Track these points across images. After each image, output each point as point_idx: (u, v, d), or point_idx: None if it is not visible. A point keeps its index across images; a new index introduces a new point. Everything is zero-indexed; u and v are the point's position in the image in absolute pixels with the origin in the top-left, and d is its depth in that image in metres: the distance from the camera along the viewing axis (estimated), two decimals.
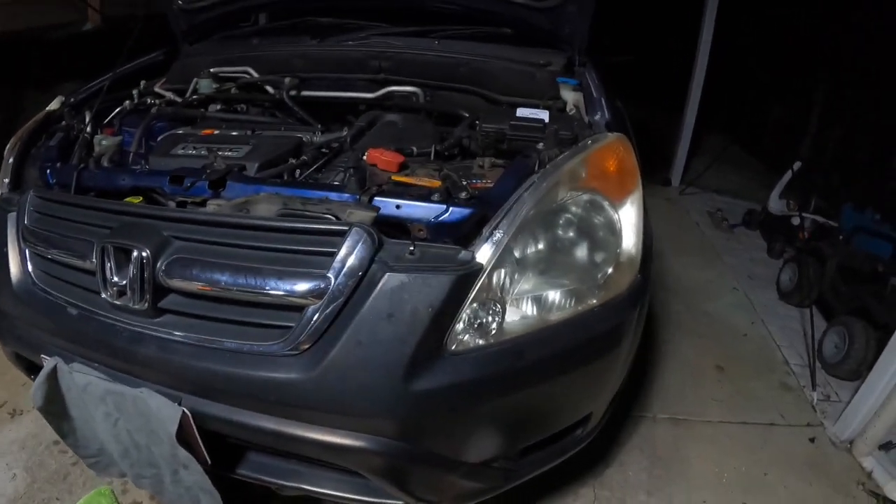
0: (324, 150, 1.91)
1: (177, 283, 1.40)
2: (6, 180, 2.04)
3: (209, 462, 1.53)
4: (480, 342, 1.43)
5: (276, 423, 1.39)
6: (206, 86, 2.41)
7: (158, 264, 1.40)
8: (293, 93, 2.23)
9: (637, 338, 1.84)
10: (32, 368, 1.96)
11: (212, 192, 1.60)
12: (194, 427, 1.44)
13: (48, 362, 1.64)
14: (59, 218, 1.70)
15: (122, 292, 1.46)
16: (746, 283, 3.93)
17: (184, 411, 1.41)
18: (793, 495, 2.40)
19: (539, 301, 1.53)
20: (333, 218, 1.44)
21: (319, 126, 2.03)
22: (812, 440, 2.68)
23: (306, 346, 1.33)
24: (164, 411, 1.42)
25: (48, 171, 1.98)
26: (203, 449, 1.50)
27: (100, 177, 1.84)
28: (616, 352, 1.69)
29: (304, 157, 1.84)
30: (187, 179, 1.63)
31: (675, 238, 4.46)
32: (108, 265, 1.46)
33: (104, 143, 2.07)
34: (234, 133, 2.01)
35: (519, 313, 1.50)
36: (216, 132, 2.04)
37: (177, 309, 1.45)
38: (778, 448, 2.62)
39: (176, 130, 2.12)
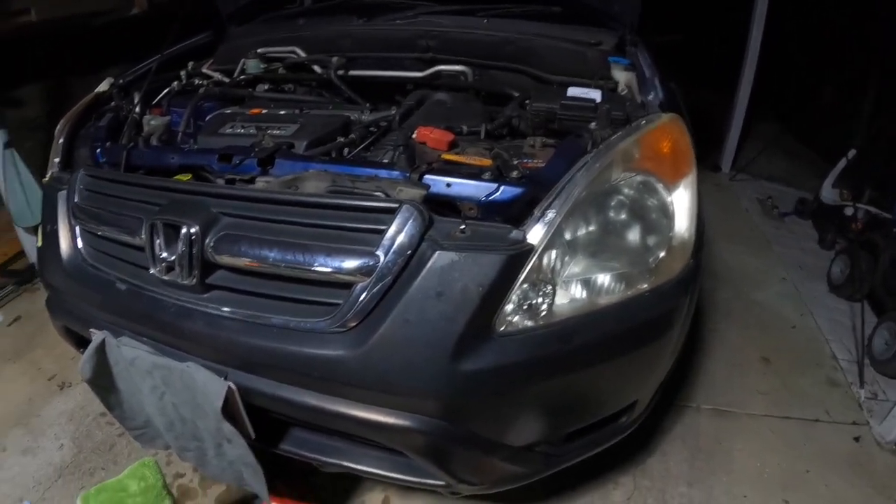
0: (372, 128, 1.90)
1: (225, 259, 1.40)
2: (57, 160, 2.08)
3: (253, 437, 1.53)
4: (529, 324, 1.40)
5: (321, 399, 1.38)
6: (253, 66, 2.41)
7: (207, 240, 1.40)
8: (341, 72, 2.22)
9: (687, 325, 1.79)
10: (81, 342, 2.00)
11: (260, 169, 1.59)
12: (239, 402, 1.44)
13: (96, 336, 1.66)
14: (108, 195, 1.72)
15: (170, 268, 1.47)
16: (796, 273, 3.83)
17: (229, 386, 1.42)
18: (834, 495, 2.33)
19: (588, 284, 1.49)
20: (383, 195, 1.43)
21: (367, 105, 2.02)
22: (857, 439, 2.60)
23: (354, 324, 1.32)
24: (210, 386, 1.42)
25: (98, 150, 2.02)
26: (247, 423, 1.50)
27: (149, 155, 1.85)
28: (665, 339, 1.65)
29: (353, 136, 1.83)
30: (236, 157, 1.63)
31: (724, 224, 4.36)
32: (157, 241, 1.47)
33: (153, 122, 2.10)
34: (281, 112, 2.00)
35: (568, 296, 1.47)
36: (264, 111, 2.04)
37: (224, 285, 1.46)
38: (821, 445, 2.55)
39: (224, 110, 2.13)
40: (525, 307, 1.39)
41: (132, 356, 1.58)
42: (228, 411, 1.44)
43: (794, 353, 3.11)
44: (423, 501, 2.26)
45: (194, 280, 1.44)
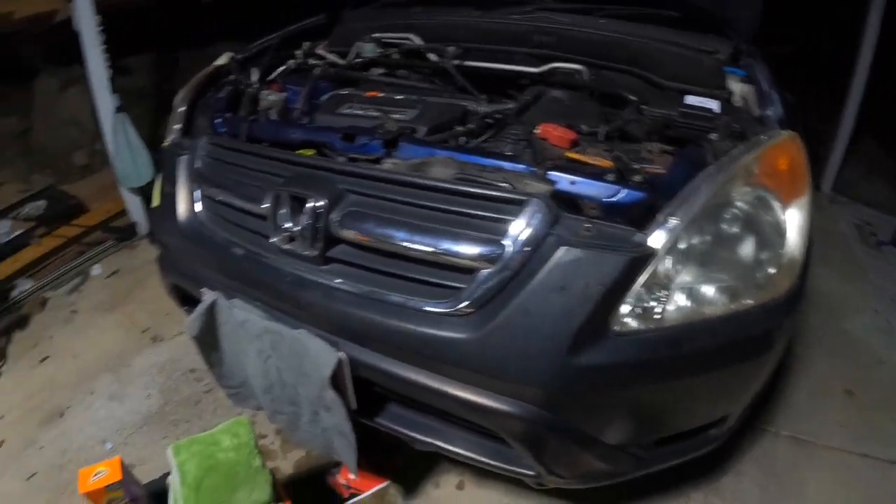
0: (488, 120, 1.92)
1: (349, 235, 1.45)
2: (177, 126, 2.17)
3: (354, 408, 1.58)
4: (641, 326, 1.41)
5: (429, 378, 1.42)
6: (369, 50, 2.46)
7: (332, 215, 1.45)
8: (456, 62, 2.24)
9: (785, 345, 1.77)
10: (187, 301, 2.10)
11: (384, 151, 1.63)
12: (348, 373, 1.49)
13: (208, 296, 1.73)
14: (231, 163, 1.80)
15: (291, 238, 1.52)
16: (890, 306, 3.68)
17: (340, 356, 1.47)
18: None
19: (696, 293, 1.49)
20: (510, 187, 1.45)
21: (483, 96, 2.04)
22: None
23: (473, 309, 1.35)
24: (322, 355, 1.47)
25: (217, 120, 2.10)
26: (351, 394, 1.55)
27: (270, 129, 1.92)
28: (766, 356, 1.63)
29: (471, 126, 1.86)
30: (360, 137, 1.68)
31: (819, 247, 4.22)
32: (280, 211, 1.52)
33: (270, 98, 2.18)
34: (398, 97, 2.04)
35: (678, 303, 1.47)
36: (380, 95, 2.08)
37: (344, 259, 1.50)
38: None
39: (339, 91, 2.19)
40: (639, 310, 1.41)
41: (243, 319, 1.65)
42: (335, 381, 1.48)
43: (880, 389, 2.99)
44: (496, 489, 2.29)
45: (316, 252, 1.49)
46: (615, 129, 1.84)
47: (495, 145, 1.80)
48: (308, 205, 1.46)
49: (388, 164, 1.60)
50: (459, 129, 1.83)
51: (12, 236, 4.25)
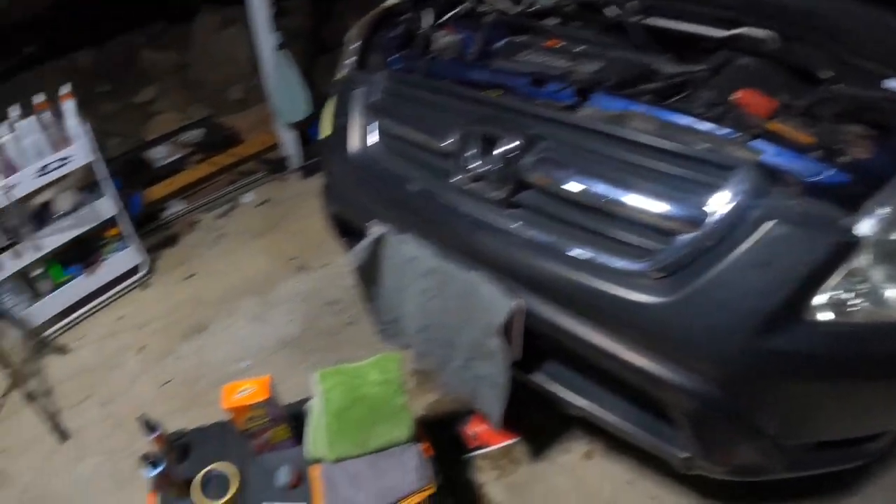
0: (674, 81, 1.83)
1: (541, 181, 1.40)
2: (350, 61, 2.18)
3: (518, 359, 1.56)
4: (833, 319, 1.30)
5: (607, 339, 1.37)
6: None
7: (525, 159, 1.41)
8: (638, 18, 2.14)
9: None
10: (348, 232, 2.14)
11: (577, 99, 1.57)
12: (520, 323, 1.46)
13: (377, 229, 1.75)
14: (412, 99, 1.78)
15: (477, 178, 1.50)
16: None
17: (516, 305, 1.44)
18: None
19: (876, 293, 1.36)
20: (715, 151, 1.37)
21: (668, 55, 1.94)
22: None
23: (666, 274, 1.28)
24: (495, 301, 1.45)
25: (392, 57, 2.10)
26: (518, 345, 1.53)
27: (452, 68, 1.90)
28: None
29: (658, 84, 1.77)
30: (550, 83, 1.62)
31: None
32: (468, 151, 1.50)
33: (445, 39, 2.16)
34: (578, 48, 1.97)
35: (871, 300, 1.34)
36: (559, 45, 2.01)
37: (533, 206, 1.46)
38: None
39: (516, 38, 2.14)
40: (834, 301, 1.29)
41: (412, 255, 1.65)
42: (505, 329, 1.46)
43: None
44: (623, 465, 2.24)
45: (502, 195, 1.46)
46: (815, 104, 1.71)
47: (690, 107, 1.70)
48: (500, 146, 1.42)
49: (584, 112, 1.55)
50: (647, 86, 1.74)
51: (169, 160, 4.46)
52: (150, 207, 4.09)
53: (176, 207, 4.36)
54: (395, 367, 1.79)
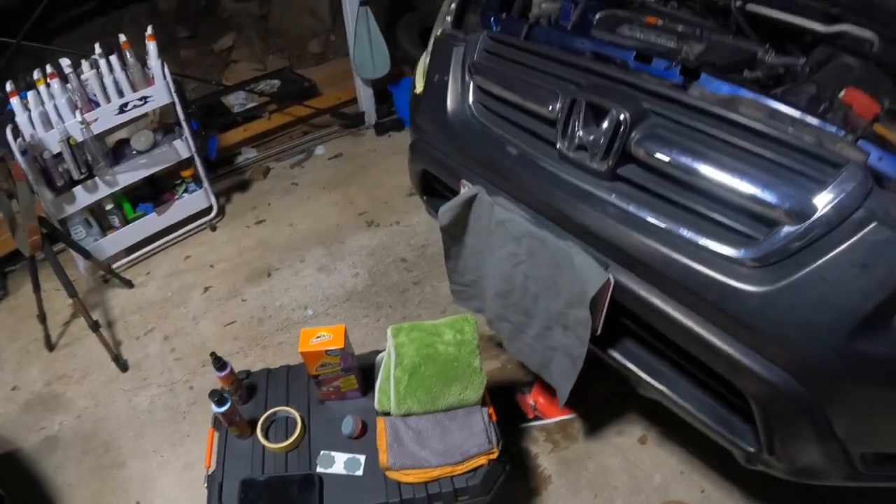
0: (776, 71, 1.78)
1: (647, 156, 1.38)
2: (449, 18, 2.17)
3: (598, 332, 1.56)
4: None
5: (696, 321, 1.35)
6: None
7: (634, 132, 1.40)
8: (739, 3, 2.09)
9: None
10: (431, 191, 2.17)
11: (683, 78, 1.54)
12: (609, 296, 1.46)
13: (469, 189, 1.75)
14: (515, 62, 1.77)
15: (581, 147, 1.48)
16: None
17: (609, 278, 1.43)
18: None
19: None
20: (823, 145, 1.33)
21: (768, 45, 1.89)
22: None
23: (765, 263, 1.26)
24: (588, 272, 1.45)
25: (491, 18, 2.09)
26: (602, 318, 1.52)
27: (555, 35, 1.87)
28: None
29: (758, 74, 1.73)
30: (658, 60, 1.60)
31: None
32: (574, 119, 1.48)
33: (544, 6, 2.13)
34: (679, 28, 1.93)
35: None
36: (660, 23, 1.98)
37: (635, 180, 1.44)
38: None
39: (616, 11, 2.10)
40: None
41: (504, 218, 1.65)
42: (594, 301, 1.46)
43: None
44: (675, 454, 2.26)
45: (606, 166, 1.44)
46: None
47: (797, 99, 1.65)
48: (610, 117, 1.41)
49: (696, 92, 1.52)
50: (750, 74, 1.71)
51: (246, 107, 4.51)
52: (223, 152, 4.17)
53: (249, 154, 4.43)
54: (472, 328, 1.81)
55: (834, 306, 1.20)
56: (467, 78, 1.89)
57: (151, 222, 3.62)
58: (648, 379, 1.61)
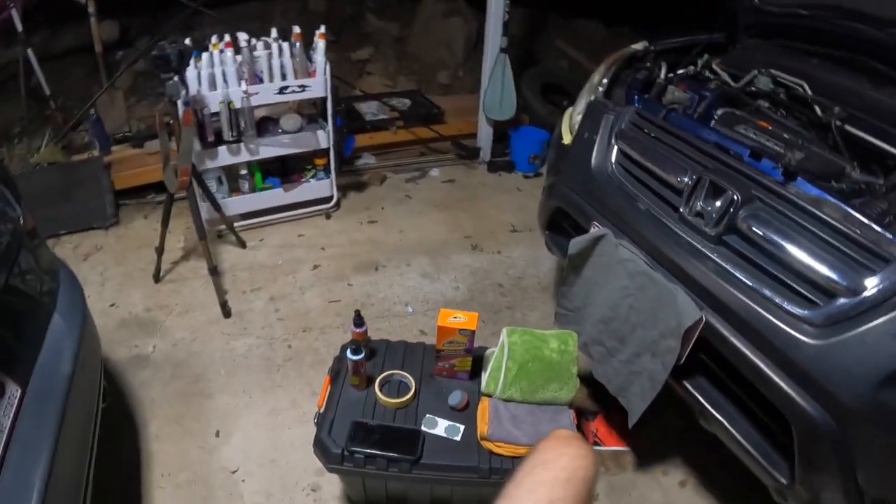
0: (858, 185, 2.13)
1: (748, 230, 1.78)
2: (601, 89, 2.65)
3: (681, 362, 1.94)
4: None
5: (763, 359, 1.71)
6: (764, 83, 2.65)
7: (741, 210, 1.79)
8: (838, 123, 2.33)
9: None
10: (554, 226, 2.63)
11: (783, 179, 1.90)
12: (698, 331, 1.85)
13: (599, 230, 2.21)
14: (654, 138, 2.20)
15: (698, 214, 1.91)
16: None
17: (702, 316, 1.84)
18: None
19: None
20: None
21: (855, 163, 2.21)
22: None
23: (823, 323, 1.63)
24: (687, 308, 1.84)
25: (635, 97, 2.53)
26: (687, 350, 1.91)
27: (686, 123, 2.30)
28: None
29: (843, 186, 2.10)
30: (765, 160, 1.99)
31: None
32: (698, 191, 1.90)
33: (677, 94, 2.57)
34: (786, 135, 2.31)
35: None
36: (770, 127, 2.36)
37: (735, 246, 1.84)
38: None
39: (734, 110, 2.49)
40: None
41: (625, 257, 2.08)
42: (686, 333, 1.85)
43: None
44: (711, 499, 2.46)
45: (715, 232, 1.85)
46: None
47: (868, 210, 1.94)
48: (726, 195, 1.81)
49: (791, 190, 1.85)
50: (833, 184, 2.09)
51: (377, 117, 4.96)
52: (352, 153, 4.54)
53: (369, 160, 4.85)
54: (574, 342, 2.17)
55: (868, 362, 1.56)
56: (612, 141, 2.34)
57: (276, 196, 4.03)
58: (712, 410, 1.97)
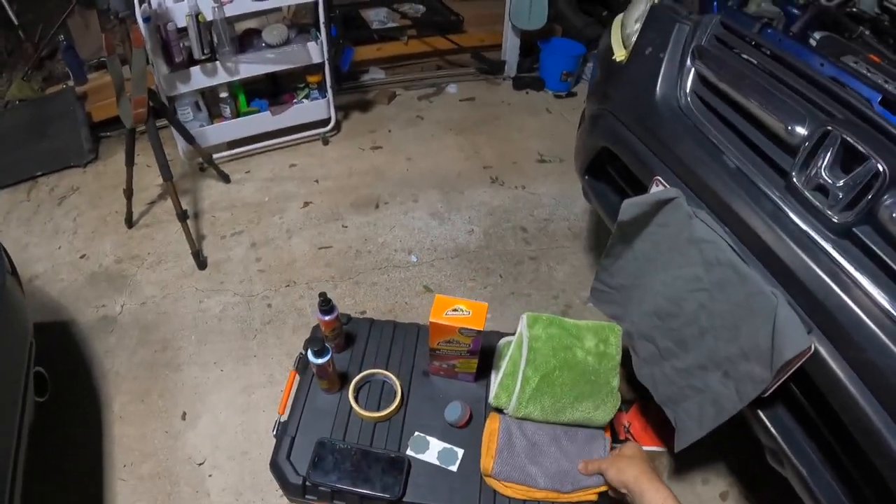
0: None
1: (892, 223, 1.17)
2: None
3: (767, 395, 1.37)
4: None
5: (881, 419, 1.16)
6: (869, 5, 2.05)
7: (887, 195, 1.19)
8: None
9: None
10: (599, 173, 2.03)
11: None
12: (802, 362, 1.27)
13: (666, 191, 1.57)
14: (750, 62, 1.58)
15: (818, 187, 1.28)
16: None
17: (811, 345, 1.24)
18: None
19: None
20: None
21: None
22: None
23: None
24: (789, 331, 1.24)
25: (715, 3, 1.85)
26: (780, 381, 1.33)
27: (789, 44, 1.63)
28: None
29: None
30: None
31: None
32: (822, 153, 1.27)
33: (763, 5, 1.92)
34: None
35: None
36: (882, 63, 1.70)
37: (870, 245, 1.23)
38: None
39: (834, 35, 1.85)
40: None
41: (703, 237, 1.45)
42: (784, 365, 1.27)
43: None
44: None
45: (845, 220, 1.23)
46: None
47: None
48: (867, 165, 1.19)
49: None
50: None
51: (386, 26, 4.36)
52: (353, 67, 4.03)
53: (377, 75, 4.31)
54: (617, 340, 1.62)
55: None
56: (688, 62, 1.70)
57: (263, 120, 3.53)
58: (791, 455, 1.42)
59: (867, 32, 1.98)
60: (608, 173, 2.14)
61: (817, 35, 1.84)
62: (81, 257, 2.98)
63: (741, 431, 1.77)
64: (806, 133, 1.32)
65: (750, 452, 1.99)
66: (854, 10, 2.00)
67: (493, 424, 1.58)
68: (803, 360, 1.27)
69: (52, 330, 2.58)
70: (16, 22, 4.18)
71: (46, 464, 2.07)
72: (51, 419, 2.18)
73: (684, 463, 2.19)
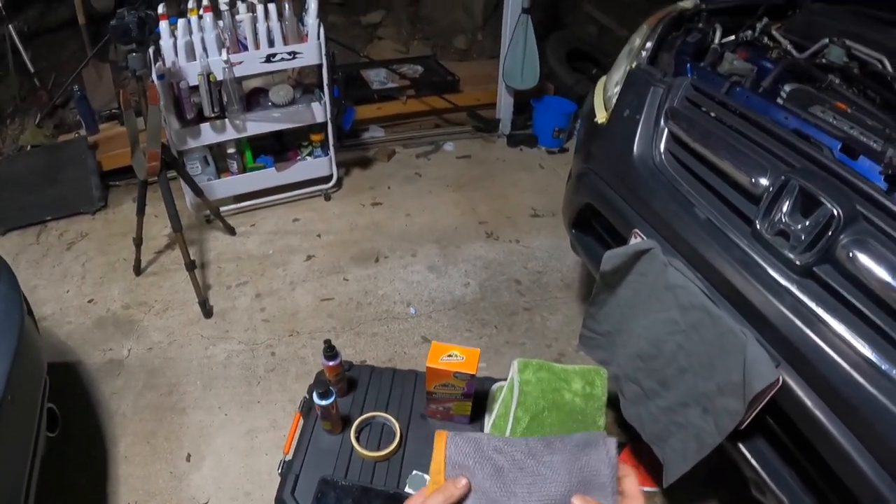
0: None
1: (849, 262, 1.26)
2: (645, 53, 2.11)
3: (742, 427, 1.45)
4: None
5: (853, 446, 1.24)
6: (837, 55, 2.18)
7: (843, 233, 1.29)
8: None
9: None
10: (581, 226, 2.09)
11: (887, 185, 1.38)
12: (772, 396, 1.36)
13: (643, 242, 1.68)
14: (718, 120, 1.69)
15: (780, 232, 1.39)
16: None
17: (779, 377, 1.33)
18: None
19: None
20: None
21: None
22: None
23: None
24: (758, 365, 1.34)
25: (688, 66, 1.99)
26: (754, 414, 1.42)
27: (756, 101, 1.76)
28: None
29: None
30: (863, 157, 1.47)
31: None
32: (784, 201, 1.39)
33: (736, 63, 2.02)
34: (869, 122, 1.75)
35: None
36: (849, 111, 1.82)
37: (830, 283, 1.33)
38: None
39: (804, 86, 1.97)
40: None
41: (677, 283, 1.56)
42: (756, 396, 1.36)
43: None
44: None
45: (805, 261, 1.34)
46: None
47: None
48: (822, 210, 1.30)
49: None
50: None
51: (385, 86, 4.50)
52: (353, 125, 4.14)
53: (376, 133, 4.43)
54: (602, 383, 1.69)
55: None
56: (662, 123, 1.82)
57: (268, 176, 3.65)
58: (773, 486, 1.50)
59: (837, 81, 2.08)
60: (593, 227, 2.25)
61: (787, 87, 1.97)
62: (89, 301, 3.04)
63: (730, 467, 1.80)
64: (767, 183, 1.44)
65: (739, 487, 1.96)
66: (823, 61, 2.11)
67: (438, 454, 1.62)
68: (773, 391, 1.36)
69: (59, 370, 2.62)
70: (32, 69, 4.31)
71: (53, 500, 2.09)
72: (58, 457, 2.22)
73: (677, 501, 2.22)
